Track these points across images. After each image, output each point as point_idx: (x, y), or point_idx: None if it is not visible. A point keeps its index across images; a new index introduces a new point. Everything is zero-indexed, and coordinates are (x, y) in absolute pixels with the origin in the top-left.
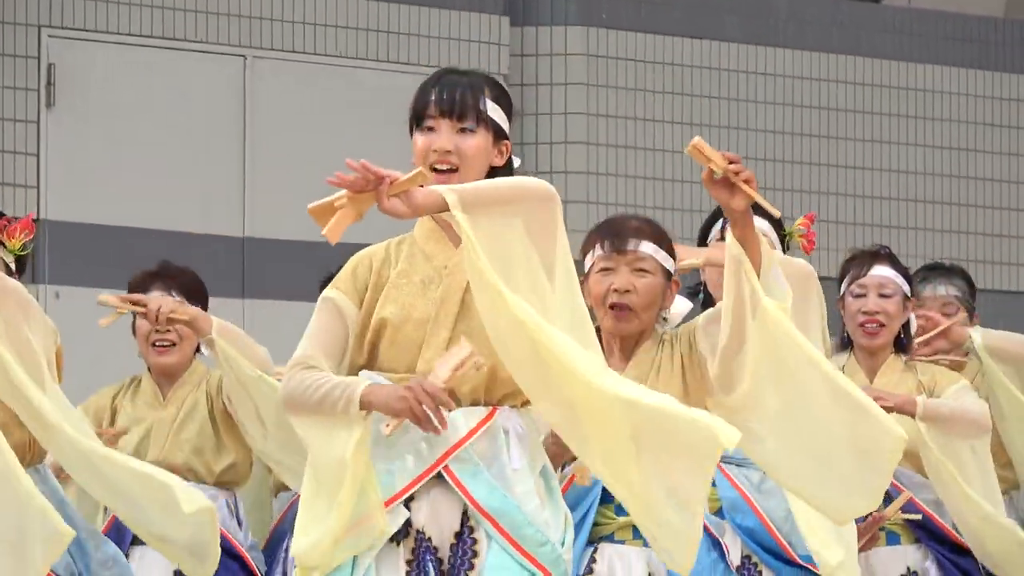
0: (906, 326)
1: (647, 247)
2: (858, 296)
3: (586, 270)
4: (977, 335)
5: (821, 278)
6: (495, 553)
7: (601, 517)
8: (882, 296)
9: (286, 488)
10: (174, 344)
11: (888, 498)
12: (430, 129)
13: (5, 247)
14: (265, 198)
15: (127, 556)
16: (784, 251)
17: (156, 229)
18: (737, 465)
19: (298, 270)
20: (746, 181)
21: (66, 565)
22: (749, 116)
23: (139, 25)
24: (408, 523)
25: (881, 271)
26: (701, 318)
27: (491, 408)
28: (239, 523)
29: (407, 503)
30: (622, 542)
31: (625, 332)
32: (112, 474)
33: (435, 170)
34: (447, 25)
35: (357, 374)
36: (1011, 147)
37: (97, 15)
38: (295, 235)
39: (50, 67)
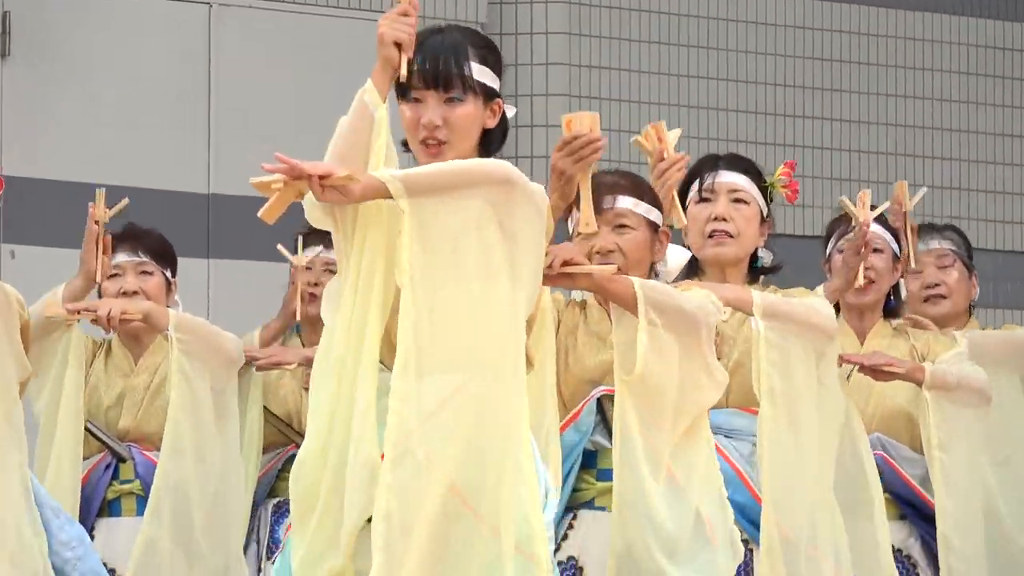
0: (896, 289)
1: (625, 201)
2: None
3: (571, 233)
4: (964, 343)
5: (808, 236)
6: None
7: (581, 483)
8: (875, 251)
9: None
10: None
11: (881, 475)
12: (416, 100)
13: None
14: (231, 153)
15: (93, 527)
16: (768, 202)
17: (117, 185)
18: (726, 436)
19: (265, 228)
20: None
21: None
22: (740, 66)
23: None
24: None
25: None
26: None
27: None
28: None
29: None
30: (603, 508)
31: None
32: None
33: (425, 144)
34: None
35: None
36: (1014, 100)
37: None
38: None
39: (5, 15)
